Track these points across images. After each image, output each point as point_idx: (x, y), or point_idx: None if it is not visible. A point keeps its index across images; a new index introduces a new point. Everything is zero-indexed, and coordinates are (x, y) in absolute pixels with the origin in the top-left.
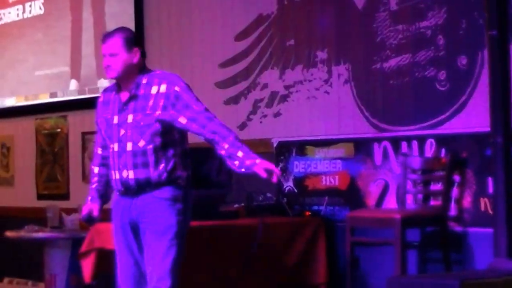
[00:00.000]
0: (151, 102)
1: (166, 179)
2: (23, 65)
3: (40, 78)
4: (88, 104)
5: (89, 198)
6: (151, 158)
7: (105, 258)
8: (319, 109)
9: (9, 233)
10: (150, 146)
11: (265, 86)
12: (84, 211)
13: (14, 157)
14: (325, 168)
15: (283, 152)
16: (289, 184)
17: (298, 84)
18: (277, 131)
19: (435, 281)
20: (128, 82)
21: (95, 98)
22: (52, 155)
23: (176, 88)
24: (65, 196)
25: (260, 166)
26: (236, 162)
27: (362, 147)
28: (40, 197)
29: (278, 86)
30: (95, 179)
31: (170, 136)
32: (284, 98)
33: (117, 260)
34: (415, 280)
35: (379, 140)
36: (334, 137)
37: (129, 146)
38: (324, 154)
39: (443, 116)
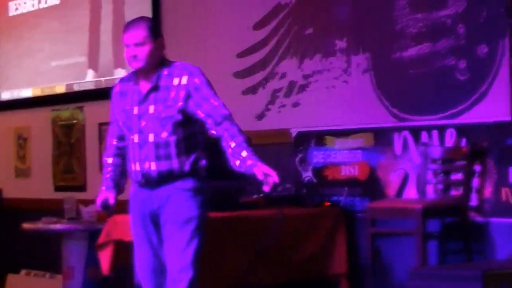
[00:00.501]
0: (172, 94)
1: (188, 170)
2: (39, 55)
3: (56, 68)
4: (104, 94)
5: (103, 187)
6: (174, 149)
7: (123, 250)
8: (338, 98)
9: (26, 225)
10: (173, 138)
11: (283, 75)
12: (100, 199)
13: (30, 149)
14: (345, 158)
15: (302, 142)
16: (308, 175)
17: (316, 74)
18: (296, 121)
19: (458, 271)
20: (148, 73)
21: (111, 89)
22: (68, 146)
23: (197, 81)
24: (82, 188)
25: (260, 168)
26: (238, 162)
27: (381, 137)
28: (57, 188)
29: (297, 76)
30: (109, 169)
31: (191, 127)
32: (302, 88)
33: (136, 252)
34: (437, 271)
35: (399, 129)
36: (353, 127)
37: (151, 138)
38: (343, 144)
39: (463, 106)
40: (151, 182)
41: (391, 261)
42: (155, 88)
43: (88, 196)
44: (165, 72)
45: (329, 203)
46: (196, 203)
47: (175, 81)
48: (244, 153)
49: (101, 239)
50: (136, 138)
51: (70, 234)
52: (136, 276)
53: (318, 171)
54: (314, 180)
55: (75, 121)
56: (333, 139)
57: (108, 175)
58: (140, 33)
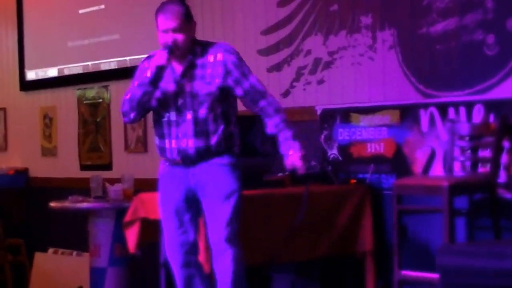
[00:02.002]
0: (209, 71)
1: (225, 147)
2: (65, 34)
3: (82, 47)
4: (129, 73)
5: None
6: (212, 126)
7: (149, 228)
8: (363, 75)
9: (53, 204)
10: (211, 115)
11: (309, 52)
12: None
13: (56, 128)
14: (370, 136)
15: (327, 119)
16: (333, 152)
17: (342, 50)
18: (321, 98)
19: (487, 248)
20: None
21: (136, 67)
22: (94, 125)
23: (233, 58)
24: (108, 166)
25: (289, 160)
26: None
27: (408, 113)
28: (83, 167)
29: (322, 53)
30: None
31: (228, 104)
32: (327, 65)
33: (165, 230)
34: (467, 248)
35: (425, 106)
36: (379, 103)
37: (188, 115)
38: (369, 121)
39: (491, 81)
40: (187, 159)
41: (418, 238)
42: (191, 66)
43: (114, 174)
44: (199, 49)
45: (355, 181)
46: (236, 178)
47: (210, 58)
48: (280, 137)
49: (128, 217)
50: (172, 116)
51: (96, 213)
52: (164, 254)
53: (344, 149)
54: (340, 158)
55: (100, 100)
56: (359, 116)
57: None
58: (177, 19)
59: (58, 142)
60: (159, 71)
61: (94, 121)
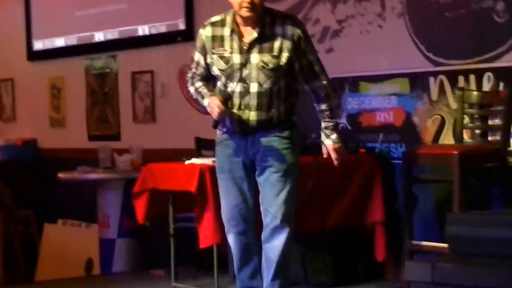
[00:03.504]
0: (277, 43)
1: (285, 119)
2: (73, 3)
3: (88, 16)
4: (137, 43)
5: (209, 93)
6: (276, 99)
7: (158, 199)
8: (372, 43)
9: (61, 175)
10: (276, 87)
11: (317, 21)
12: (214, 103)
13: (65, 98)
14: (380, 104)
15: (336, 88)
16: (342, 122)
17: (350, 19)
18: (330, 67)
19: (497, 217)
20: (250, 21)
21: (145, 37)
22: (102, 95)
23: (300, 31)
24: (116, 137)
25: (325, 150)
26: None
27: (417, 82)
28: (91, 138)
29: (330, 21)
30: (201, 84)
31: (292, 77)
32: (336, 33)
33: (224, 198)
34: (476, 217)
35: (435, 74)
36: (388, 72)
37: (253, 87)
38: (378, 90)
39: (501, 49)
40: (247, 130)
41: (428, 207)
42: (259, 37)
43: (123, 145)
44: (267, 19)
45: (364, 150)
46: (295, 152)
47: (278, 30)
48: (322, 124)
49: (136, 187)
50: (237, 87)
51: (105, 183)
52: (224, 221)
53: (353, 118)
54: (349, 127)
55: (108, 70)
56: (368, 85)
57: (204, 88)
58: None
59: (66, 112)
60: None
61: (102, 91)
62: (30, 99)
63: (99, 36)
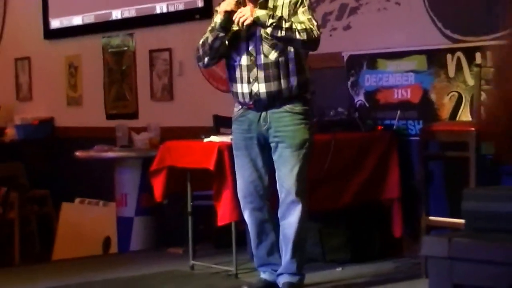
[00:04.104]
0: (278, 13)
1: (297, 92)
2: None
3: None
4: (155, 20)
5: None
6: (283, 70)
7: (176, 176)
8: (389, 20)
9: (79, 154)
10: (282, 59)
11: None
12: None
13: (81, 77)
14: (397, 81)
15: (354, 65)
16: (360, 99)
17: None
18: (347, 44)
19: None
20: None
21: (163, 15)
22: (119, 73)
23: None
24: (134, 115)
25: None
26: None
27: (434, 59)
28: (108, 116)
29: None
30: None
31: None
32: (354, 10)
33: (239, 174)
34: (493, 192)
35: (452, 51)
36: (405, 49)
37: (259, 59)
38: (395, 67)
39: None
40: (260, 104)
41: (445, 184)
42: (262, 8)
43: (140, 123)
44: None
45: (381, 127)
46: (308, 126)
47: (280, 1)
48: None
49: (154, 165)
50: (244, 60)
51: (122, 162)
52: (239, 196)
53: (370, 95)
54: (366, 104)
55: (125, 48)
56: (385, 62)
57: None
58: None
59: (83, 91)
60: (228, 16)
61: (119, 69)
62: (47, 78)
63: (116, 14)
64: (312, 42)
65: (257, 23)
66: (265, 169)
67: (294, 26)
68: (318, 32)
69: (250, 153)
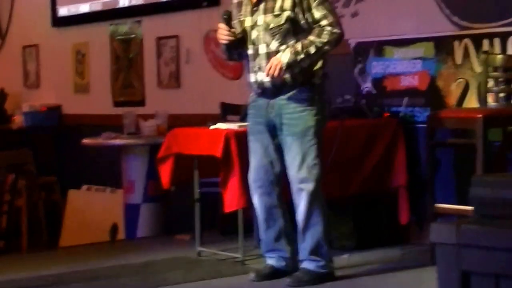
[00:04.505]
0: (279, 3)
1: (302, 79)
2: None
3: None
4: (162, 8)
5: None
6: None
7: (183, 164)
8: (397, 8)
9: (86, 141)
10: (284, 47)
11: None
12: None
13: (89, 64)
14: (404, 68)
15: (361, 53)
16: (367, 86)
17: None
18: (355, 31)
19: None
20: None
21: (170, 2)
22: (127, 61)
23: None
24: (141, 103)
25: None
26: None
27: (442, 46)
28: (116, 104)
29: None
30: None
31: (302, 36)
32: None
33: (252, 158)
34: (501, 179)
35: (459, 38)
36: (413, 36)
37: (262, 49)
38: (403, 54)
39: None
40: (267, 92)
41: (452, 171)
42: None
43: (147, 111)
44: None
45: (388, 114)
46: (313, 112)
47: None
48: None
49: (161, 153)
50: (250, 49)
51: (130, 149)
52: (250, 182)
53: (378, 82)
54: (374, 91)
55: (133, 36)
56: (393, 49)
57: None
58: None
59: (90, 78)
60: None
61: (126, 57)
62: (55, 65)
63: (123, 2)
64: (336, 43)
65: (289, 67)
66: (277, 155)
67: (318, 44)
68: (339, 31)
69: (262, 138)
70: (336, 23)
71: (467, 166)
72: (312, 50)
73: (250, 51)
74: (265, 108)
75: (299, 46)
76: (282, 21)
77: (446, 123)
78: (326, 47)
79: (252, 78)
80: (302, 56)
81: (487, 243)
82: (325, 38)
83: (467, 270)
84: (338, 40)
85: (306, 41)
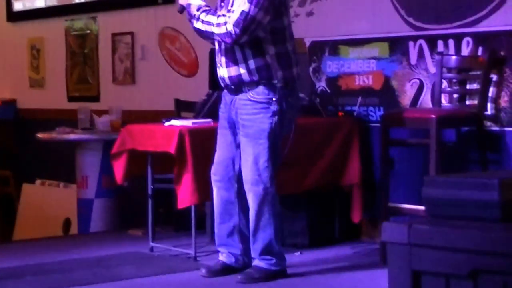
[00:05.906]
0: None
1: (259, 78)
2: None
3: None
4: (118, 4)
5: None
6: (239, 55)
7: (137, 160)
8: (352, 7)
9: (40, 135)
10: (237, 44)
11: None
12: None
13: (44, 59)
14: (359, 68)
15: (316, 52)
16: (322, 85)
17: None
18: (310, 30)
19: (474, 180)
20: None
21: None
22: (82, 56)
23: None
24: (96, 98)
25: None
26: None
27: (397, 46)
28: (71, 99)
29: None
30: None
31: (256, 34)
32: None
33: (216, 153)
34: (453, 179)
35: (414, 38)
36: (368, 36)
37: (221, 44)
38: (358, 54)
39: (481, 14)
40: (229, 88)
41: (405, 170)
42: None
43: (102, 106)
44: None
45: (343, 113)
46: (268, 115)
47: None
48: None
49: (115, 148)
50: (215, 45)
51: (84, 144)
52: (212, 174)
53: (332, 81)
54: (328, 90)
55: (88, 31)
56: (348, 49)
57: None
58: None
59: (46, 73)
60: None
61: (82, 52)
62: (10, 60)
63: None
64: (221, 36)
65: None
66: (239, 152)
67: (212, 21)
68: (232, 31)
69: (226, 134)
70: (238, 23)
71: (422, 166)
72: (205, 19)
73: (214, 47)
74: (229, 104)
75: (205, 11)
76: None
77: (399, 122)
78: (210, 30)
79: (217, 73)
80: (198, 14)
81: (438, 243)
82: (219, 24)
83: (418, 270)
84: (225, 35)
85: (211, 14)
